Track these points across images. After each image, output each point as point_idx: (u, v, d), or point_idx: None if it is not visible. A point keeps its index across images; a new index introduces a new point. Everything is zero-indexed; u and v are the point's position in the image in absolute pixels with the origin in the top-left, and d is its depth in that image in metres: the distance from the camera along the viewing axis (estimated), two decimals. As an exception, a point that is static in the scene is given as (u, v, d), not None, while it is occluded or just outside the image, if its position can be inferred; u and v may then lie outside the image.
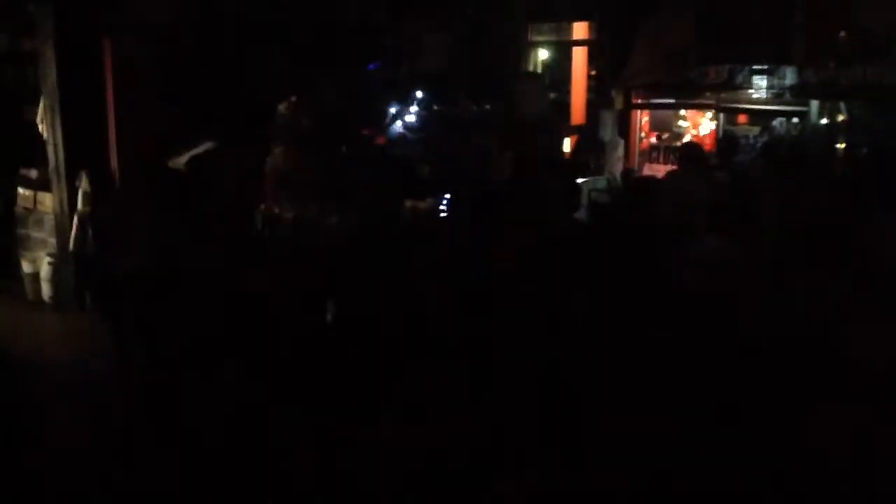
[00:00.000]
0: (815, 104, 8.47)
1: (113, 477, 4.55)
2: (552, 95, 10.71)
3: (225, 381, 4.83)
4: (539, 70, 11.34)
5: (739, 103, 8.97)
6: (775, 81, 8.48)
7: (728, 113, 9.44)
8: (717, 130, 9.77)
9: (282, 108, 6.14)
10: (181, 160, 6.36)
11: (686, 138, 9.90)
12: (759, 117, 9.17)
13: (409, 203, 6.28)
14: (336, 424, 4.12)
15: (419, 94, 8.83)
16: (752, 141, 9.08)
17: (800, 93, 8.34)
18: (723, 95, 8.98)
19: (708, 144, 9.65)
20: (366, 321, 4.49)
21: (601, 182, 8.75)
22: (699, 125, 10.02)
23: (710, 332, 3.52)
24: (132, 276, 5.61)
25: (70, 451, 4.91)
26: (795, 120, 8.71)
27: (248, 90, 6.96)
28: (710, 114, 10.08)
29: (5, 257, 7.89)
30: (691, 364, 3.45)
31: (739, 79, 8.64)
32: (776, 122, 8.93)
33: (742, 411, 3.31)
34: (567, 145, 10.00)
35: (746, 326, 3.47)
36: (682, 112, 10.25)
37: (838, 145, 8.27)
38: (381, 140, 7.53)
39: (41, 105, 7.31)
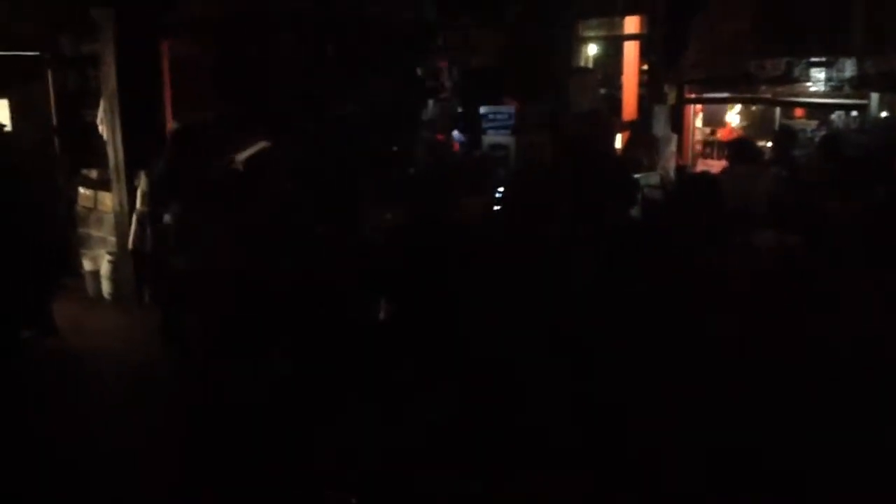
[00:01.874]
0: (875, 97, 8.27)
1: (171, 468, 4.65)
2: (603, 91, 10.66)
3: (279, 376, 4.90)
4: (590, 65, 11.29)
5: (797, 96, 8.79)
6: (834, 74, 8.30)
7: (784, 106, 9.28)
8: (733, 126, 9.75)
9: None
10: (237, 159, 6.46)
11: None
12: (816, 110, 8.99)
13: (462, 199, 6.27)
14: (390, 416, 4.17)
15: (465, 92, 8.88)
16: (809, 134, 8.90)
17: (859, 85, 8.15)
18: (779, 89, 8.81)
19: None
20: (418, 318, 4.50)
21: (654, 178, 8.65)
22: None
23: (769, 328, 3.47)
24: (189, 274, 5.70)
25: (130, 440, 5.03)
26: (854, 113, 8.52)
27: (303, 88, 7.04)
28: (738, 107, 9.98)
29: (68, 255, 8.09)
30: (752, 361, 3.40)
31: (797, 72, 8.47)
32: (834, 116, 8.74)
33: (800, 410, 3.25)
34: (619, 141, 9.92)
35: (807, 324, 3.40)
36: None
37: (899, 138, 8.07)
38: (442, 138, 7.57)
39: (101, 107, 7.49)
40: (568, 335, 3.89)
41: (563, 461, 3.70)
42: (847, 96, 8.37)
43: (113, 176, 7.51)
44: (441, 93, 9.05)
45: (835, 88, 8.34)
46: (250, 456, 4.34)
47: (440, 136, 7.75)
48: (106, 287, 7.81)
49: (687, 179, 7.53)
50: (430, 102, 8.69)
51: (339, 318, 4.56)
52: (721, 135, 9.96)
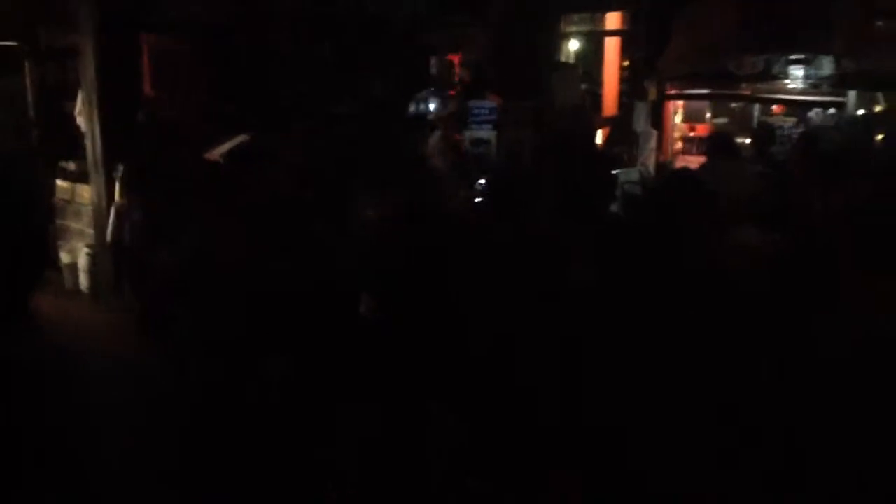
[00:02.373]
0: (852, 94, 8.37)
1: (152, 465, 4.64)
2: (584, 86, 10.71)
3: (264, 373, 4.88)
4: (572, 61, 11.33)
5: (775, 93, 8.87)
6: (812, 71, 8.38)
7: (763, 103, 9.35)
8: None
9: None
10: (216, 153, 6.43)
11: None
12: (795, 108, 9.07)
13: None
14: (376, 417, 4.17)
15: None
16: (787, 132, 8.98)
17: (837, 83, 8.24)
18: (758, 86, 8.87)
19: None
20: (402, 314, 4.50)
21: (634, 174, 8.70)
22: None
23: (752, 325, 3.50)
24: (168, 267, 5.67)
25: (108, 435, 5.01)
26: (832, 110, 8.60)
27: (288, 83, 7.03)
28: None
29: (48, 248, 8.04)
30: (735, 359, 3.42)
31: (776, 69, 8.55)
32: (812, 113, 8.83)
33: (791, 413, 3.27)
34: (599, 137, 9.98)
35: (790, 320, 3.43)
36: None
37: (877, 136, 8.17)
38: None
39: (79, 98, 7.43)
40: (548, 331, 3.91)
41: (558, 462, 3.71)
42: (825, 94, 8.46)
43: (91, 168, 7.47)
44: (450, 88, 9.08)
45: (813, 86, 8.43)
46: (237, 453, 4.33)
47: (457, 136, 7.79)
48: (84, 280, 7.77)
49: (666, 175, 7.58)
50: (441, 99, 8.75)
51: (330, 314, 4.54)
52: (700, 131, 10.04)
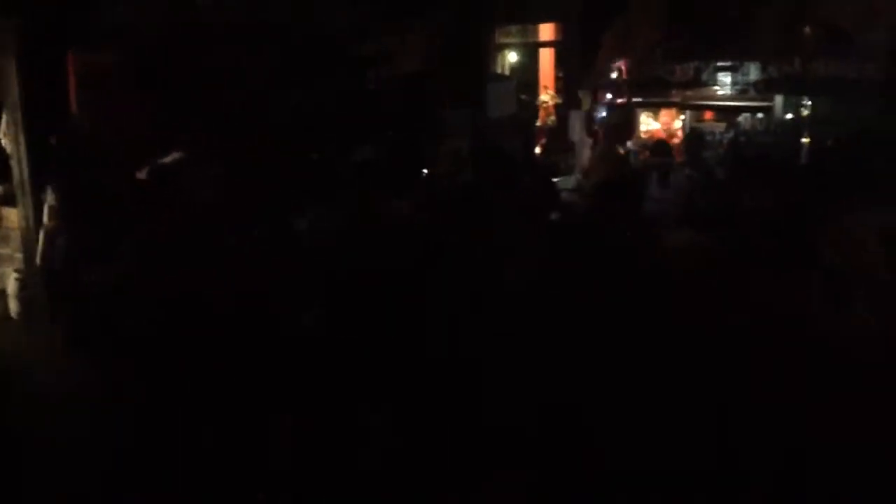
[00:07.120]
0: (779, 99, 8.58)
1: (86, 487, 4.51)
2: (522, 97, 10.80)
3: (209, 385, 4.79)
4: (507, 72, 11.42)
5: (705, 100, 9.06)
6: (740, 77, 8.59)
7: (693, 110, 9.54)
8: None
9: None
10: (149, 170, 6.31)
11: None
12: (725, 113, 9.27)
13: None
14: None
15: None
16: (718, 137, 9.18)
17: (765, 88, 8.45)
18: (688, 93, 9.07)
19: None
20: (350, 324, 4.46)
21: (570, 182, 8.80)
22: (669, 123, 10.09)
23: (686, 321, 3.55)
24: (101, 287, 5.54)
25: (42, 460, 4.87)
26: (760, 115, 8.82)
27: (224, 97, 6.93)
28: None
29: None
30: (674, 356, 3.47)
31: (705, 76, 8.75)
32: (741, 118, 9.04)
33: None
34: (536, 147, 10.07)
35: (719, 316, 3.50)
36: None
37: (803, 139, 8.39)
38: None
39: (3, 120, 7.21)
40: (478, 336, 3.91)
41: (516, 463, 3.69)
42: (753, 99, 8.67)
43: (18, 191, 7.24)
44: None
45: (740, 92, 8.64)
46: (166, 460, 4.23)
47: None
48: (13, 306, 7.51)
49: (605, 183, 7.67)
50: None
51: (272, 325, 4.48)
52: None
